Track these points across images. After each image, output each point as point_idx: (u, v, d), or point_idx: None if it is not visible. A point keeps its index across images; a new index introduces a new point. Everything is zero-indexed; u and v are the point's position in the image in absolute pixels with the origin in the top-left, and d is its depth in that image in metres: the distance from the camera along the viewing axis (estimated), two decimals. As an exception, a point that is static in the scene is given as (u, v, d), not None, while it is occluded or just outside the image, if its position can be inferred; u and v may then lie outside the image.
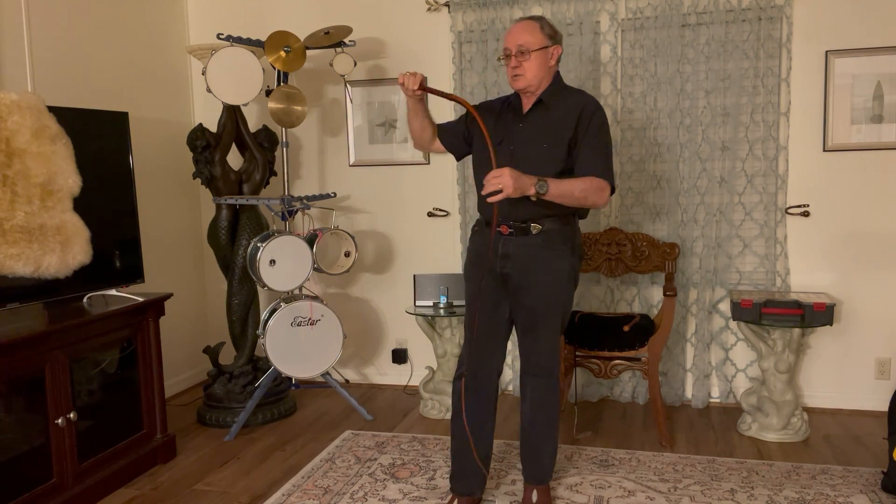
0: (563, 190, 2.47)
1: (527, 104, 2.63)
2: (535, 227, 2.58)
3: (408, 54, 4.19)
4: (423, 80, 2.54)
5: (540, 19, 2.59)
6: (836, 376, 3.82)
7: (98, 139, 3.20)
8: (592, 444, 3.43)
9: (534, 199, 2.45)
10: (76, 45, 3.64)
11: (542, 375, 2.70)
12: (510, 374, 4.15)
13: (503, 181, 2.36)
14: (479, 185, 2.67)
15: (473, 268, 2.73)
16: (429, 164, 4.23)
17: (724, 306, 3.87)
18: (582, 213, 2.70)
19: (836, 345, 3.79)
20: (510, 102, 2.70)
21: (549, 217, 2.57)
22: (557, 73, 2.65)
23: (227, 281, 3.95)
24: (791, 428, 3.44)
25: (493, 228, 2.59)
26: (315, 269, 3.75)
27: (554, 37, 2.59)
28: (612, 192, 2.57)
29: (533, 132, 2.59)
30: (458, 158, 2.92)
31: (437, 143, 2.84)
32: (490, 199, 2.40)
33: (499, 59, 2.64)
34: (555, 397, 2.72)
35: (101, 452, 3.02)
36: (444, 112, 4.19)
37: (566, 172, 2.56)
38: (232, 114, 3.86)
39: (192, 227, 4.52)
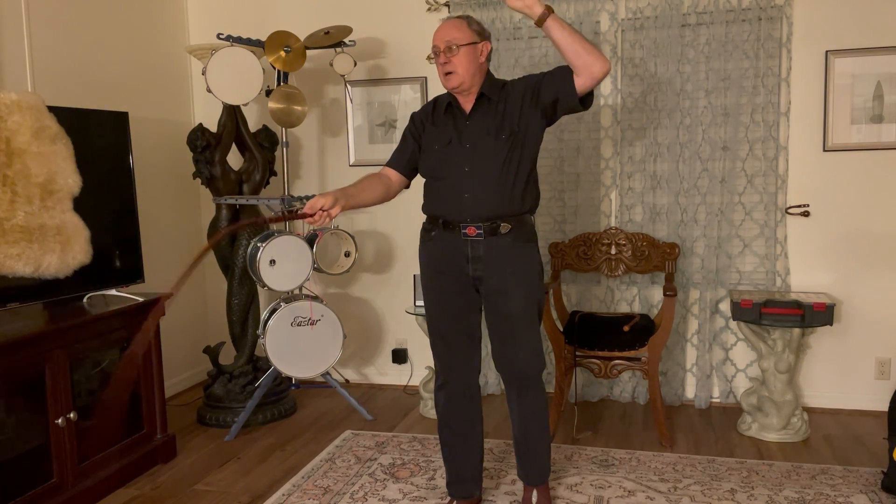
0: (567, 27, 2.35)
1: (468, 102, 2.55)
2: (504, 226, 2.50)
3: (408, 54, 4.19)
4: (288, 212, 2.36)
5: (467, 17, 2.54)
6: (836, 376, 3.82)
7: (98, 139, 3.20)
8: (592, 444, 3.43)
9: (536, 18, 2.33)
10: (76, 45, 3.64)
11: (530, 387, 2.62)
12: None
13: None
14: (443, 185, 2.56)
15: (438, 277, 2.62)
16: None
17: (725, 306, 3.87)
18: (534, 209, 2.61)
19: (836, 345, 3.79)
20: (446, 104, 2.60)
21: (516, 215, 2.52)
22: (489, 71, 2.58)
23: (227, 281, 3.95)
24: (791, 428, 3.44)
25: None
26: (315, 269, 3.75)
27: (482, 33, 2.53)
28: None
29: (487, 126, 2.51)
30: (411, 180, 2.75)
31: (400, 187, 2.71)
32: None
33: (428, 57, 2.58)
34: (543, 400, 2.66)
35: (101, 452, 3.02)
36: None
37: (530, 163, 2.52)
38: (232, 114, 3.86)
39: (192, 227, 4.52)
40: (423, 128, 2.65)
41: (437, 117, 2.62)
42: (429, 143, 2.62)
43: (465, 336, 2.65)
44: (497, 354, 2.64)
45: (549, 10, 2.35)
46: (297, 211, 2.28)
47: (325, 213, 2.35)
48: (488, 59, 2.56)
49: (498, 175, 2.48)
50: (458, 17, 2.55)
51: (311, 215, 2.34)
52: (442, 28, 2.52)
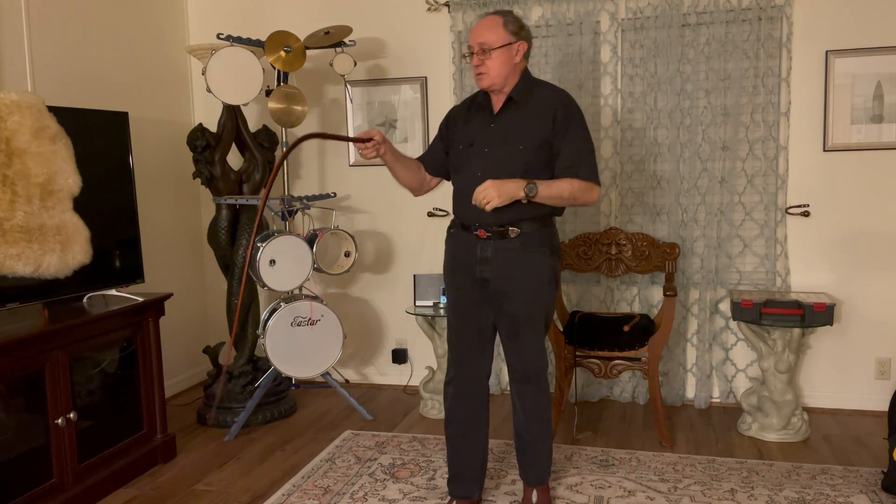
0: (553, 192, 2.46)
1: (497, 103, 2.57)
2: (512, 231, 2.52)
3: (408, 54, 4.19)
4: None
5: (505, 14, 2.52)
6: (836, 376, 3.82)
7: (98, 139, 3.20)
8: (592, 444, 3.43)
9: (524, 201, 2.44)
10: (76, 45, 3.64)
11: (531, 382, 2.65)
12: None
13: (488, 194, 2.38)
14: (459, 188, 2.63)
15: (453, 272, 2.68)
16: (429, 164, 4.23)
17: (725, 306, 3.87)
18: (559, 211, 2.64)
19: (836, 345, 3.79)
20: (478, 102, 2.63)
21: (527, 219, 2.53)
22: (526, 69, 2.59)
23: (227, 281, 3.94)
24: (791, 428, 3.44)
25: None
26: (315, 269, 3.75)
27: (518, 33, 2.51)
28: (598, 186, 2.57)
29: (506, 132, 2.52)
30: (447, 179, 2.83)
31: (432, 182, 2.80)
32: (487, 209, 2.41)
33: (463, 56, 2.60)
34: (546, 401, 2.69)
35: (101, 452, 3.02)
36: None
37: (547, 172, 2.52)
38: (232, 114, 3.86)
39: (192, 227, 4.52)
40: (455, 125, 2.68)
41: (470, 114, 2.65)
42: (455, 142, 2.66)
43: (476, 333, 2.68)
44: (504, 350, 2.70)
45: (531, 189, 2.42)
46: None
47: (377, 145, 2.51)
48: (526, 56, 2.56)
49: None
50: (496, 13, 2.53)
51: (367, 140, 2.50)
52: (477, 28, 2.52)
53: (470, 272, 2.60)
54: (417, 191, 2.81)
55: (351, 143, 2.53)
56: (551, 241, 2.61)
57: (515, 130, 2.52)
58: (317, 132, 2.48)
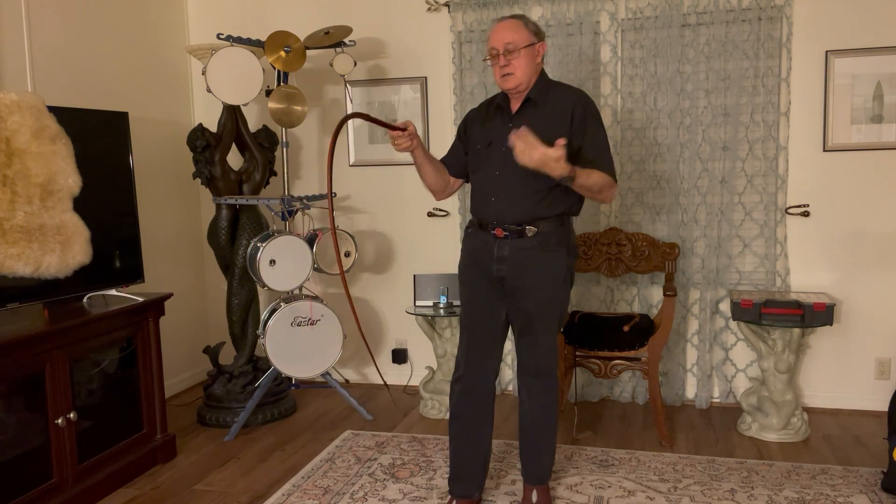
0: (590, 181, 2.46)
1: (515, 104, 2.61)
2: (530, 230, 2.55)
3: (408, 54, 4.19)
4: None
5: (522, 17, 2.57)
6: (836, 376, 3.82)
7: (98, 139, 3.20)
8: (592, 444, 3.43)
9: (557, 181, 2.42)
10: (76, 45, 3.64)
11: (541, 377, 2.68)
12: (510, 374, 4.16)
13: (527, 155, 2.32)
14: (477, 187, 2.68)
15: (468, 270, 2.71)
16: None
17: (725, 306, 3.87)
18: (576, 210, 2.67)
19: (836, 345, 3.79)
20: (496, 103, 2.67)
21: (545, 219, 2.55)
22: (543, 70, 2.63)
23: (227, 281, 3.95)
24: (791, 428, 3.44)
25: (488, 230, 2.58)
26: (315, 269, 3.75)
27: (538, 33, 2.57)
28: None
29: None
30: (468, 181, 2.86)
31: (455, 184, 2.83)
32: (517, 159, 2.35)
33: (485, 59, 2.63)
34: (553, 398, 2.71)
35: (101, 452, 3.02)
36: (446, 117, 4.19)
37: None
38: (232, 114, 3.86)
39: (192, 227, 4.52)
40: (473, 126, 2.72)
41: (488, 115, 2.68)
42: (474, 143, 2.69)
43: (487, 332, 2.69)
44: (516, 345, 2.72)
45: (567, 181, 2.41)
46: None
47: (411, 138, 2.54)
48: (543, 57, 2.60)
49: (526, 182, 2.51)
50: (514, 17, 2.58)
51: (403, 129, 2.54)
52: (499, 30, 2.54)
53: (486, 271, 2.63)
54: (441, 193, 2.83)
55: (387, 134, 2.59)
56: (568, 240, 2.63)
57: (534, 130, 2.51)
58: (361, 112, 2.51)
